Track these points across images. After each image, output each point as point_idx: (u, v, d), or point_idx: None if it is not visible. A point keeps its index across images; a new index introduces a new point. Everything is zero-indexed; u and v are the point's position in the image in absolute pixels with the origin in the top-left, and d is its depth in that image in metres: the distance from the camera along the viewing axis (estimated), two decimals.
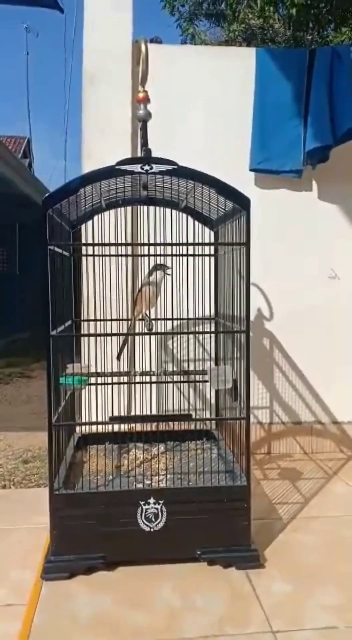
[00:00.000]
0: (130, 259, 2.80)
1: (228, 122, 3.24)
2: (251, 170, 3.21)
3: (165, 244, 2.18)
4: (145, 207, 2.38)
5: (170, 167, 1.99)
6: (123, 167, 1.97)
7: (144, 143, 2.17)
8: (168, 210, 2.40)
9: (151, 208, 2.37)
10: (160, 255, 2.23)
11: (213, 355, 2.79)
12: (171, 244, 2.17)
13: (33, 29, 19.00)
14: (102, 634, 1.72)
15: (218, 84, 3.26)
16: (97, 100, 3.12)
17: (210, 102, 3.25)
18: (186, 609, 1.84)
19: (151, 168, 1.97)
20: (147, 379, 2.62)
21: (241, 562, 2.06)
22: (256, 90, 3.20)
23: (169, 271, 2.38)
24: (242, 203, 2.06)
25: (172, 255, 2.21)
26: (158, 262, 2.40)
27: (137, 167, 1.97)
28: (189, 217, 2.51)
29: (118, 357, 2.50)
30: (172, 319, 2.53)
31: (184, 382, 2.93)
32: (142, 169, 1.97)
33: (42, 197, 2.03)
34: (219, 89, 3.26)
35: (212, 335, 2.83)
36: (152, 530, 2.02)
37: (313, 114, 3.14)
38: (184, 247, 2.20)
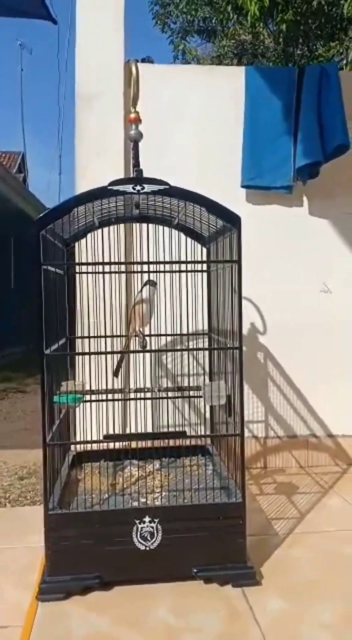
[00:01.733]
0: (124, 275, 2.82)
1: (219, 140, 3.28)
2: (242, 186, 3.25)
3: (158, 262, 2.20)
4: (139, 225, 2.41)
5: (161, 187, 2.01)
6: (115, 188, 2.00)
7: (136, 163, 2.19)
8: (161, 228, 2.43)
9: (144, 225, 2.40)
10: (153, 272, 2.25)
11: (207, 370, 2.80)
12: (164, 262, 2.19)
13: (27, 46, 19.23)
14: None
15: (208, 102, 3.31)
16: (90, 120, 3.16)
17: (201, 120, 3.30)
18: (183, 628, 1.83)
19: (143, 188, 2.00)
20: (142, 395, 2.62)
21: (237, 580, 2.05)
22: (245, 107, 3.25)
23: (156, 286, 2.39)
24: (232, 221, 2.08)
25: (165, 272, 2.23)
26: (151, 278, 2.42)
27: (129, 187, 2.00)
28: (182, 234, 2.54)
29: (116, 374, 2.51)
30: (166, 335, 2.55)
31: (178, 397, 2.94)
32: (134, 189, 2.00)
33: (36, 211, 2.06)
34: (210, 107, 3.31)
35: (207, 350, 2.84)
36: (147, 549, 2.02)
37: (303, 130, 3.19)
38: (177, 264, 2.22)
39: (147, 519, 2.01)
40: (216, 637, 1.79)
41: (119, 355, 2.58)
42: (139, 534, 2.01)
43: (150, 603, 1.95)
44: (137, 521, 2.01)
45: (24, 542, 2.39)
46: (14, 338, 9.65)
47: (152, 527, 2.01)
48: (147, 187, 2.00)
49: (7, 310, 10.38)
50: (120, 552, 2.01)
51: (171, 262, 2.20)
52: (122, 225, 2.79)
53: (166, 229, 2.44)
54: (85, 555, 2.00)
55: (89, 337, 2.43)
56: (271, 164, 3.19)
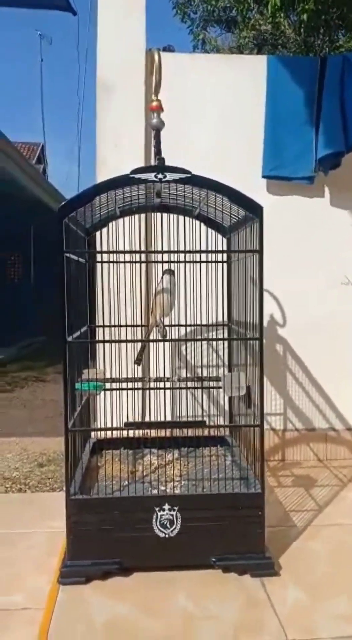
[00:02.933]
0: (144, 265, 2.83)
1: (240, 130, 3.26)
2: (263, 177, 3.22)
3: (177, 252, 2.20)
4: (159, 215, 2.40)
5: (183, 176, 2.01)
6: (137, 176, 2.00)
7: (158, 152, 2.19)
8: (181, 218, 2.43)
9: (165, 215, 2.40)
10: (173, 262, 2.25)
11: (226, 362, 2.80)
12: (184, 252, 2.19)
13: (47, 36, 19.23)
14: (117, 639, 1.73)
15: (230, 91, 3.28)
16: (110, 109, 3.16)
17: (222, 110, 3.27)
18: (201, 616, 1.84)
19: (165, 176, 2.00)
20: (161, 385, 2.63)
21: (255, 570, 2.05)
22: (267, 97, 3.21)
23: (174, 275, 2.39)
24: (255, 211, 2.07)
25: (185, 262, 2.22)
26: (170, 268, 2.42)
27: (151, 176, 2.00)
28: (202, 225, 2.53)
29: (137, 363, 2.52)
30: (185, 325, 2.55)
31: (197, 388, 2.94)
32: (156, 177, 1.99)
33: (55, 202, 2.07)
34: (231, 97, 3.28)
35: (226, 341, 2.84)
36: (167, 536, 2.03)
37: (325, 120, 3.14)
38: (197, 254, 2.21)
39: (166, 506, 2.02)
40: (235, 625, 1.80)
41: (138, 344, 2.59)
42: (158, 521, 2.02)
43: (169, 590, 1.97)
44: (157, 508, 2.02)
45: (44, 527, 2.43)
46: (34, 328, 9.75)
47: (171, 515, 2.03)
48: (169, 176, 2.00)
49: (27, 301, 10.49)
50: (140, 539, 2.03)
51: (193, 252, 2.20)
52: (142, 215, 2.79)
53: (186, 219, 2.43)
54: (106, 540, 2.02)
55: (110, 325, 2.44)
56: (292, 154, 3.16)
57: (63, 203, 2.05)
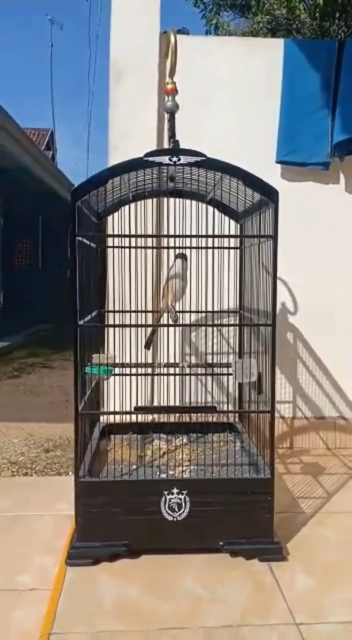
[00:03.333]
0: (155, 250, 2.81)
1: (255, 114, 3.21)
2: (277, 162, 3.18)
3: (191, 236, 2.18)
4: (171, 199, 2.38)
5: (198, 159, 1.98)
6: (151, 159, 1.98)
7: (172, 135, 2.17)
8: (194, 203, 2.40)
9: (177, 200, 2.38)
10: (185, 247, 2.24)
11: (236, 349, 2.78)
12: (198, 236, 2.17)
13: (57, 21, 19.08)
14: (125, 620, 1.74)
15: (245, 74, 3.24)
16: (123, 94, 3.12)
17: (237, 93, 3.23)
18: (209, 599, 1.85)
19: (179, 159, 1.97)
20: (171, 370, 2.63)
21: (263, 554, 2.06)
22: (283, 81, 3.16)
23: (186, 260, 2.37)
24: (270, 195, 2.04)
25: (198, 247, 2.21)
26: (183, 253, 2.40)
27: (165, 159, 1.98)
28: (215, 210, 2.50)
29: (147, 347, 2.51)
30: (196, 312, 2.54)
31: (207, 374, 2.93)
32: (171, 160, 1.97)
33: (64, 189, 2.05)
34: (246, 80, 3.23)
35: (236, 328, 2.82)
36: (175, 520, 2.04)
37: (341, 105, 3.09)
38: (210, 239, 2.19)
39: (175, 490, 2.03)
40: (242, 608, 1.81)
41: (148, 329, 2.59)
42: (167, 504, 2.03)
43: (177, 573, 1.98)
44: (165, 492, 2.03)
45: (52, 510, 2.44)
46: (41, 315, 9.79)
47: (180, 499, 2.03)
48: (184, 159, 1.97)
49: (35, 288, 10.52)
50: (148, 522, 2.04)
51: (206, 237, 2.18)
52: (154, 200, 2.77)
53: (199, 204, 2.41)
54: (114, 523, 2.03)
55: (121, 311, 2.43)
56: (307, 139, 3.11)
57: (76, 186, 2.04)
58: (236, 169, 2.02)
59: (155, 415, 2.72)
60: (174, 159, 1.97)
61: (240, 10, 9.26)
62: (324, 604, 1.84)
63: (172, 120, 2.21)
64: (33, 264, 11.52)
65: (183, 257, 2.40)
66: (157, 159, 1.98)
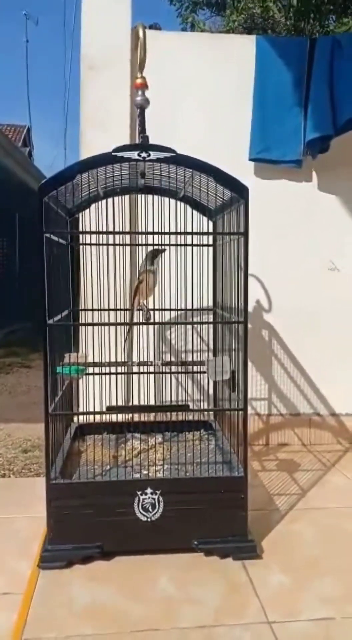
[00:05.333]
0: (128, 247, 2.78)
1: (228, 111, 3.20)
2: (250, 160, 3.18)
3: (163, 233, 2.16)
4: (144, 196, 2.35)
5: (168, 155, 1.96)
6: (120, 154, 1.95)
7: (142, 130, 2.14)
8: (166, 200, 2.38)
9: (149, 197, 2.35)
10: (158, 245, 2.21)
11: (211, 346, 2.77)
12: (169, 233, 2.15)
13: (32, 16, 18.83)
14: (98, 624, 1.72)
15: (218, 71, 3.22)
16: (95, 89, 3.09)
17: (209, 90, 3.22)
18: (183, 599, 1.84)
19: (149, 155, 1.95)
20: (145, 369, 2.60)
21: (238, 553, 2.05)
22: (256, 78, 3.16)
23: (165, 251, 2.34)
24: (240, 192, 2.03)
25: (170, 245, 2.18)
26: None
27: (134, 154, 1.95)
28: (188, 207, 2.48)
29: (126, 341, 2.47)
30: (170, 310, 2.52)
31: (182, 372, 2.92)
32: (140, 155, 1.94)
33: None
34: (219, 77, 3.22)
35: (211, 326, 2.81)
36: (149, 520, 2.02)
37: (313, 103, 3.10)
38: (182, 237, 2.17)
39: (149, 490, 2.01)
40: (216, 608, 1.80)
41: (122, 327, 2.55)
42: (140, 505, 2.01)
43: (151, 574, 1.96)
44: (139, 492, 2.00)
45: (27, 512, 2.40)
46: (19, 314, 9.65)
47: (153, 499, 2.01)
48: (153, 155, 1.95)
49: (12, 286, 10.36)
50: (121, 523, 2.01)
51: (176, 233, 2.16)
52: (127, 197, 2.73)
53: (172, 201, 2.38)
54: (87, 525, 2.00)
55: (92, 309, 2.40)
56: (280, 136, 3.11)
57: (43, 182, 1.99)
58: (206, 166, 2.00)
59: (131, 415, 2.69)
60: (143, 154, 1.94)
61: (216, 9, 9.27)
62: (298, 601, 1.84)
63: (142, 115, 2.18)
64: (11, 262, 11.35)
65: (155, 253, 2.37)
66: (126, 154, 1.95)
